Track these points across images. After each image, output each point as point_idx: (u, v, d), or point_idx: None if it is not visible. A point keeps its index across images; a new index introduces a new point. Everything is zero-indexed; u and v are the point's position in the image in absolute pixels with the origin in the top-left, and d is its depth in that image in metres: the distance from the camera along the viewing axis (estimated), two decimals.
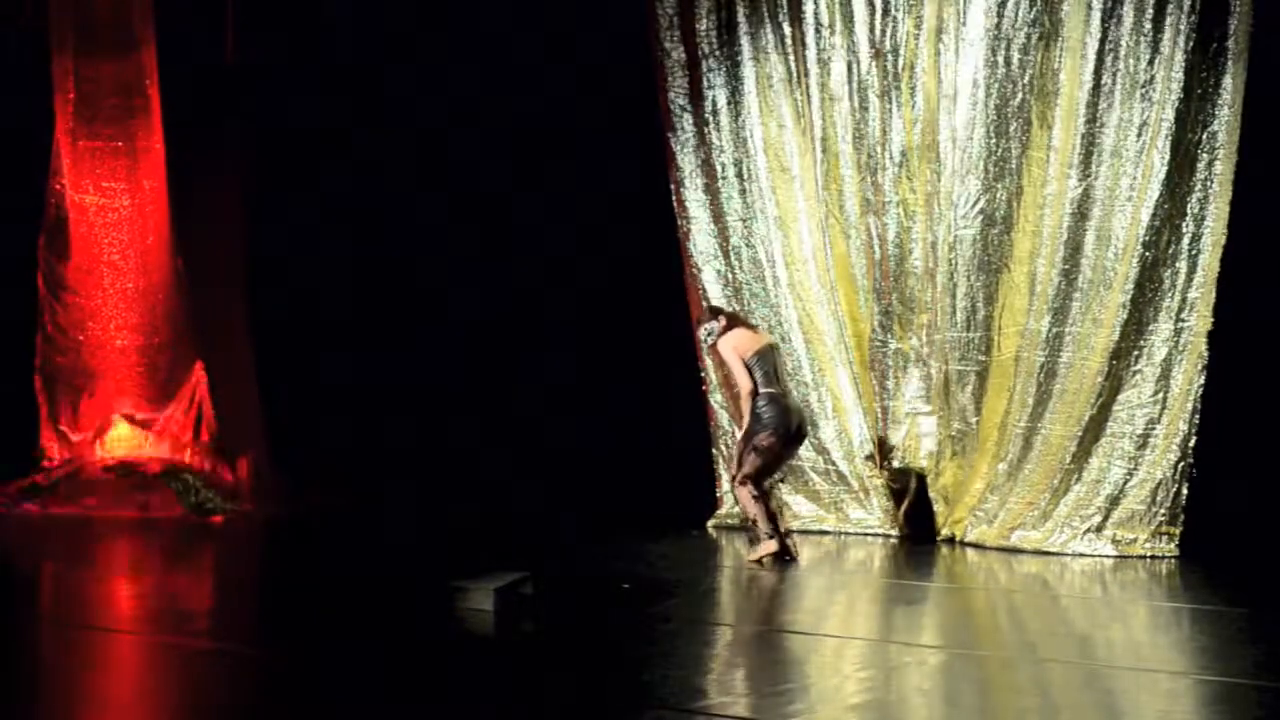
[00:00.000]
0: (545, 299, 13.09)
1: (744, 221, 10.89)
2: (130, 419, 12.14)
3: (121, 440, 12.00)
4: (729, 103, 10.90)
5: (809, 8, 10.45)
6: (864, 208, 10.31)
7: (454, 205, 13.42)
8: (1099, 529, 9.31)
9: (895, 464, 10.21)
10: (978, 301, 9.82)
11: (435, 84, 13.28)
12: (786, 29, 10.63)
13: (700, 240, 11.01)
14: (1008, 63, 9.60)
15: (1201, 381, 9.11)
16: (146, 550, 10.18)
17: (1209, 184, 9.11)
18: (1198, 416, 9.13)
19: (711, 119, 10.97)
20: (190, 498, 11.43)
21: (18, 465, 11.85)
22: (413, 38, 13.20)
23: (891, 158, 10.17)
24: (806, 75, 10.49)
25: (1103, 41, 9.30)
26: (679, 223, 11.10)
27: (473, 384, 13.06)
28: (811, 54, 10.46)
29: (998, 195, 9.71)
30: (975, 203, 9.82)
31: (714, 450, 11.01)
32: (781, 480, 9.80)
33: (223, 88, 13.23)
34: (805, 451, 10.63)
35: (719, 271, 10.96)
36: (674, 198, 11.12)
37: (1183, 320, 9.18)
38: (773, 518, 8.67)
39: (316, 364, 13.47)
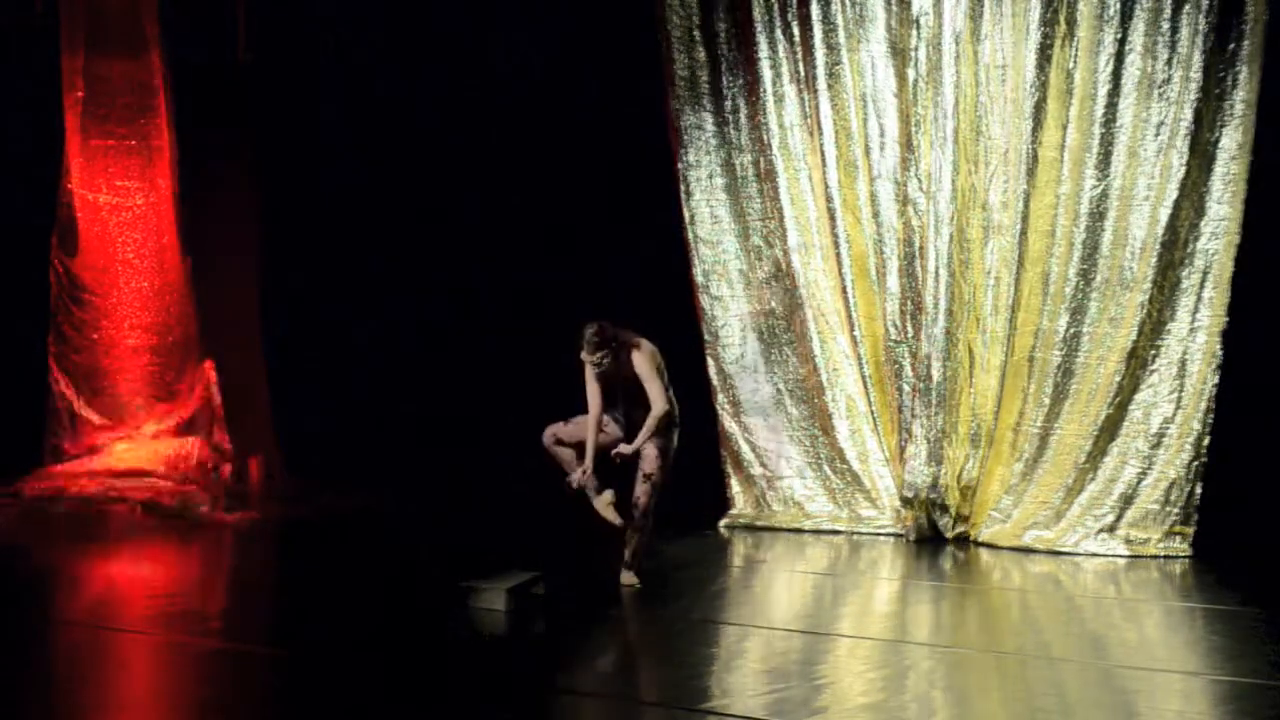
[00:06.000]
0: (551, 301, 13.07)
1: (763, 220, 10.86)
2: (140, 428, 12.13)
3: (132, 449, 11.99)
4: (747, 103, 10.87)
5: (823, 9, 10.42)
6: (880, 207, 10.27)
7: (462, 205, 13.41)
8: (1112, 528, 9.29)
9: (907, 492, 10.08)
10: (999, 301, 9.78)
11: (443, 84, 13.28)
12: (798, 30, 10.60)
13: (722, 239, 10.97)
14: (1024, 62, 9.56)
15: (1216, 380, 9.09)
16: (156, 551, 10.18)
17: (1226, 183, 9.10)
18: (1212, 415, 9.11)
19: (732, 119, 10.94)
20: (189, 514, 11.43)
21: (28, 465, 11.86)
22: (422, 38, 13.20)
23: (909, 157, 10.12)
24: (820, 76, 10.46)
25: (1120, 42, 9.28)
26: (685, 223, 11.05)
27: (482, 385, 13.05)
28: (826, 54, 10.43)
29: (1013, 195, 9.67)
30: (989, 203, 9.80)
31: (722, 451, 10.99)
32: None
33: (234, 86, 13.25)
34: (819, 450, 10.63)
35: (741, 271, 10.93)
36: (682, 199, 11.05)
37: (1198, 319, 9.17)
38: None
39: (328, 364, 13.48)
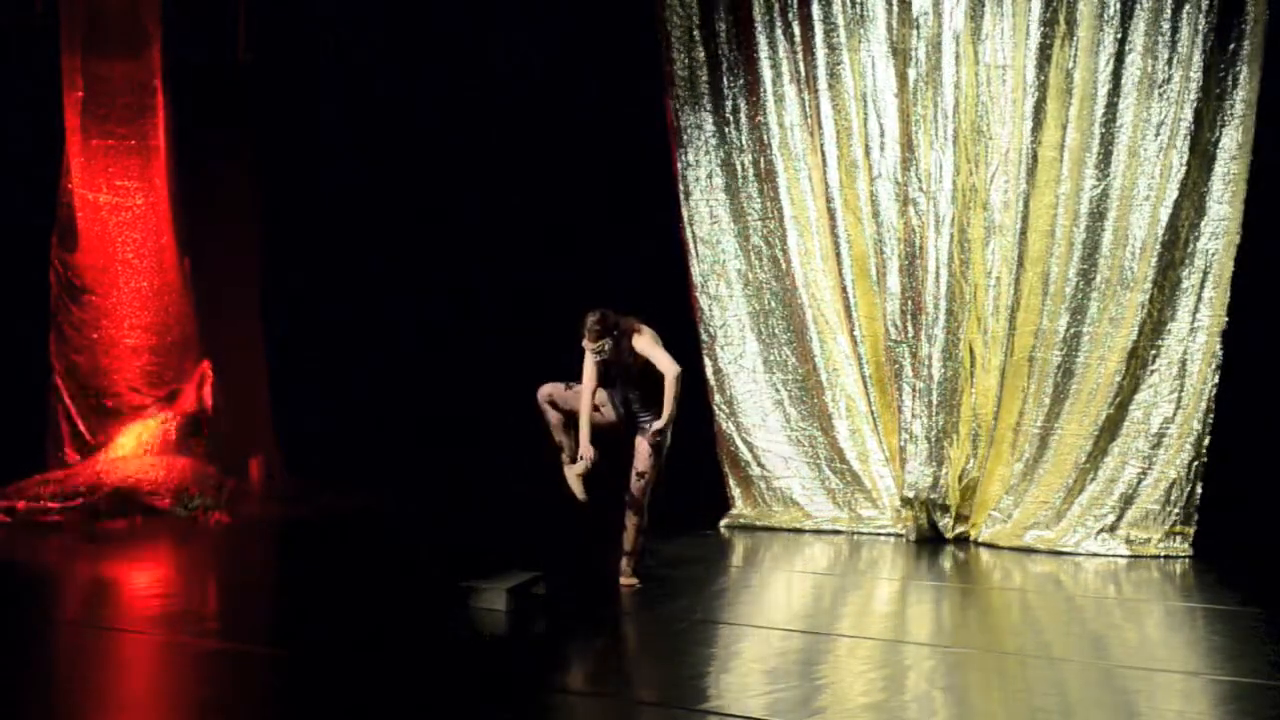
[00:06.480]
0: (551, 301, 13.07)
1: (763, 220, 10.86)
2: (142, 424, 12.11)
3: (130, 447, 11.95)
4: (747, 103, 10.87)
5: (823, 9, 10.42)
6: (880, 207, 10.26)
7: (462, 205, 13.41)
8: (1113, 528, 9.30)
9: (908, 492, 10.05)
10: (999, 301, 9.78)
11: (443, 84, 13.27)
12: (799, 29, 10.60)
13: (721, 239, 10.97)
14: (1024, 62, 9.56)
15: (1216, 380, 9.10)
16: (157, 551, 10.18)
17: (1226, 183, 9.11)
18: (1212, 415, 9.11)
19: (732, 119, 10.94)
20: (184, 508, 11.37)
21: (28, 464, 11.84)
22: (422, 38, 13.20)
23: (909, 157, 10.11)
24: (820, 76, 10.46)
25: (1120, 42, 9.29)
26: (684, 223, 11.04)
27: (485, 385, 13.05)
28: (826, 54, 10.44)
29: (1013, 195, 9.67)
30: (989, 203, 9.81)
31: (719, 452, 10.97)
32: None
33: (234, 86, 13.24)
34: (818, 450, 10.63)
35: (739, 271, 10.92)
36: (681, 199, 11.04)
37: (1198, 319, 9.17)
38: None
39: (328, 365, 13.47)
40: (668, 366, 7.63)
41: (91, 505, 11.36)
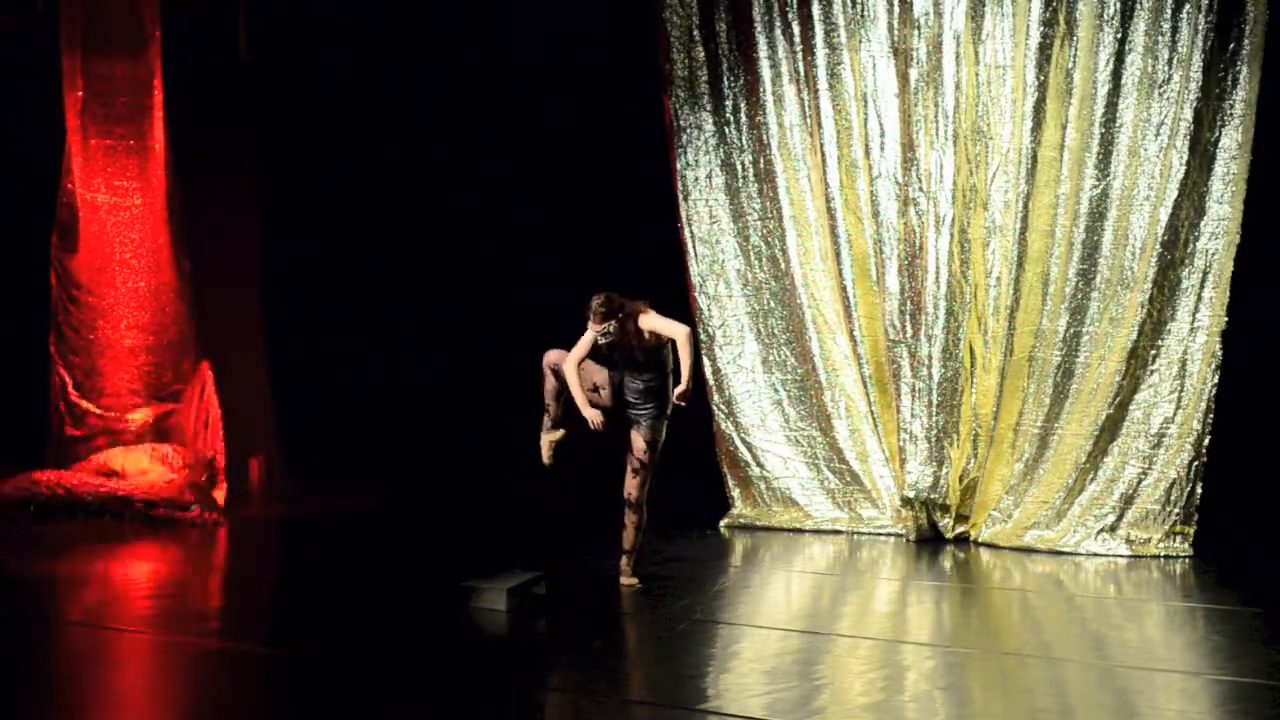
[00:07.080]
0: (551, 301, 13.07)
1: (762, 220, 10.85)
2: (140, 435, 12.11)
3: (129, 455, 11.94)
4: (747, 102, 10.87)
5: (824, 8, 10.42)
6: (880, 207, 10.26)
7: (462, 205, 13.41)
8: (1113, 528, 9.30)
9: (908, 492, 10.05)
10: (999, 301, 9.78)
11: (443, 84, 13.27)
12: (799, 29, 10.60)
13: (720, 239, 10.96)
14: (1024, 62, 9.56)
15: (1216, 380, 9.10)
16: (155, 551, 10.18)
17: (1226, 183, 9.11)
18: (1212, 415, 9.11)
19: (732, 119, 10.93)
20: (182, 510, 11.36)
21: (29, 465, 11.84)
22: (422, 38, 13.20)
23: (910, 157, 10.11)
24: (820, 76, 10.46)
25: (1120, 41, 9.29)
26: (683, 223, 11.03)
27: (485, 385, 13.06)
28: (826, 54, 10.43)
29: (1013, 195, 9.67)
30: (989, 203, 9.81)
31: (718, 451, 10.96)
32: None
33: (234, 85, 13.23)
34: (818, 451, 10.63)
35: (738, 271, 10.92)
36: (680, 199, 11.04)
37: (1198, 319, 9.17)
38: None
39: (328, 365, 13.47)
40: (677, 329, 7.71)
41: (89, 504, 11.36)
